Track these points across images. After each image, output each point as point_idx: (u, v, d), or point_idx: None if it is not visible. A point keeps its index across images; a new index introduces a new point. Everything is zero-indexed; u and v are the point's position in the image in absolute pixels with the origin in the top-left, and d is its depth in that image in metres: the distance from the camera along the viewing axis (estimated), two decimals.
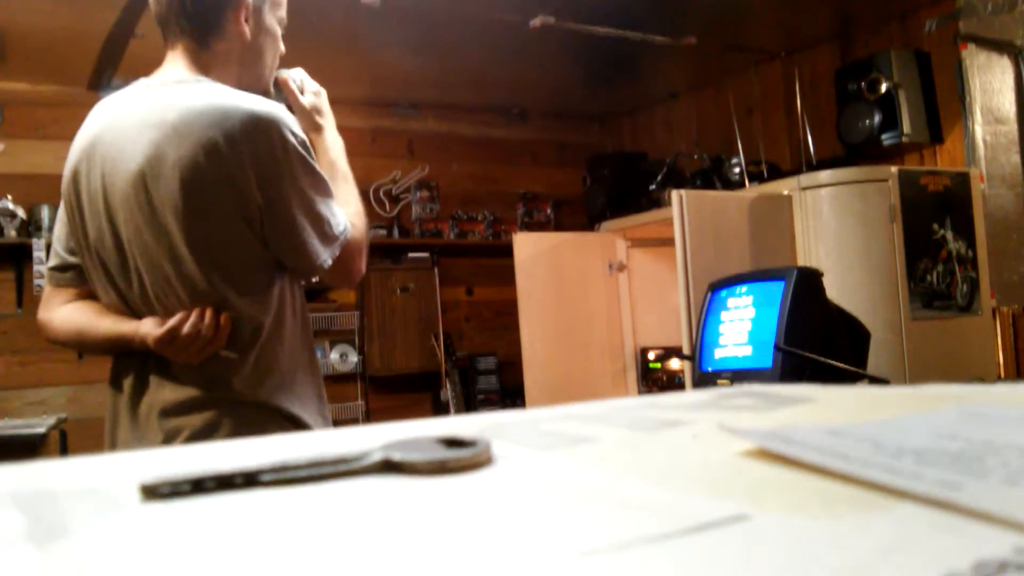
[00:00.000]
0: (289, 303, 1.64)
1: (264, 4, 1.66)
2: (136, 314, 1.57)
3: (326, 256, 1.59)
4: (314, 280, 1.69)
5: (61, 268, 1.66)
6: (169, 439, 1.52)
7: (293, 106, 1.78)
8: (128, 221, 1.52)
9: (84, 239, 1.59)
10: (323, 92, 1.82)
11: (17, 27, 3.89)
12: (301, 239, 1.56)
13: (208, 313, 1.50)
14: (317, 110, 1.80)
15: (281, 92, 1.78)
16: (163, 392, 1.54)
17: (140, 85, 1.62)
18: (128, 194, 1.51)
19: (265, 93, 1.71)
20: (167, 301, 1.53)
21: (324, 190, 1.60)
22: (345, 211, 1.67)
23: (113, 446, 1.61)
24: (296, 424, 1.60)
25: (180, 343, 1.49)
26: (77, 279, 1.65)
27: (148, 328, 1.52)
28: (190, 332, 1.48)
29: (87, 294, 1.65)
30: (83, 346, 1.71)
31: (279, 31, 1.72)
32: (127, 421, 1.57)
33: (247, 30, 1.63)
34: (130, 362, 1.59)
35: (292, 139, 1.53)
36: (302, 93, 1.80)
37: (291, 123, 1.55)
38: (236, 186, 1.49)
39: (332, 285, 1.70)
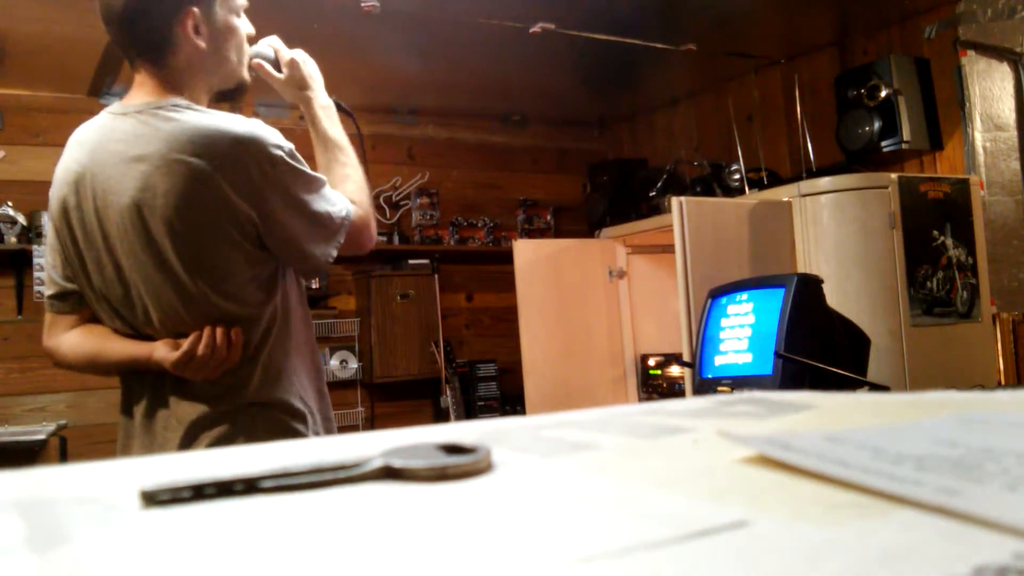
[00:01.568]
0: (294, 304, 1.67)
1: (213, 5, 1.62)
2: (144, 338, 1.59)
3: (331, 251, 1.63)
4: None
5: (60, 296, 1.66)
6: (185, 449, 1.54)
7: (273, 85, 1.78)
8: (128, 253, 1.53)
9: (83, 272, 1.60)
10: (301, 59, 1.79)
11: (17, 33, 3.90)
12: (304, 248, 1.60)
13: (220, 331, 1.53)
14: (297, 82, 1.78)
15: (257, 73, 1.76)
16: (181, 408, 1.57)
17: (113, 110, 1.62)
18: (124, 227, 1.52)
19: (241, 84, 1.72)
20: (174, 325, 1.55)
21: (318, 186, 1.61)
22: (344, 189, 1.69)
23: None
24: (302, 420, 1.63)
25: (197, 363, 1.51)
26: (77, 305, 1.66)
27: (163, 352, 1.53)
28: (206, 352, 1.51)
29: (90, 317, 1.66)
30: (96, 370, 1.71)
31: (237, 21, 1.68)
32: (143, 438, 1.59)
33: (200, 41, 1.60)
34: (143, 382, 1.61)
35: (278, 152, 1.54)
36: (278, 69, 1.78)
37: (274, 138, 1.56)
38: (229, 207, 1.50)
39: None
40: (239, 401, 1.57)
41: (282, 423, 1.60)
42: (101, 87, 4.54)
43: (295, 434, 1.61)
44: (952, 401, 0.62)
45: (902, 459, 0.39)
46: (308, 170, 1.61)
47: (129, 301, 1.57)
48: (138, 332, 1.59)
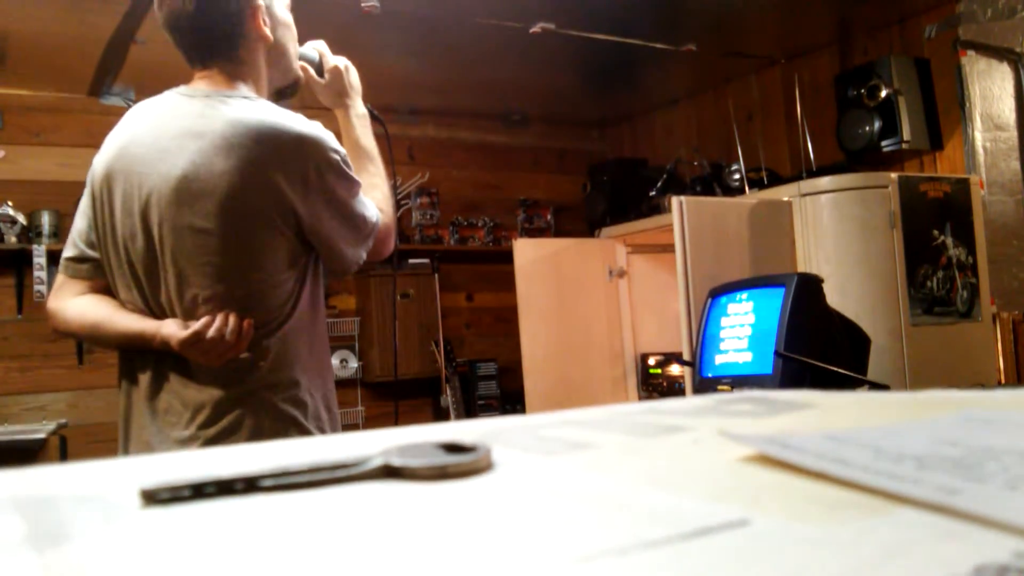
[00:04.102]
0: (314, 302, 1.70)
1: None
2: (156, 314, 1.60)
3: (361, 254, 1.70)
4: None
5: (79, 259, 1.69)
6: (193, 438, 1.55)
7: (314, 88, 1.84)
8: (165, 223, 1.55)
9: (112, 237, 1.62)
10: (345, 67, 1.85)
11: (18, 33, 3.90)
12: (339, 247, 1.65)
13: (232, 318, 1.54)
14: (338, 89, 1.84)
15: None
16: (186, 391, 1.57)
17: (178, 93, 1.67)
18: (170, 197, 1.54)
19: (296, 81, 1.79)
20: (195, 302, 1.56)
21: (357, 190, 1.68)
22: (372, 196, 1.75)
23: (127, 440, 1.62)
24: (306, 413, 1.65)
25: (203, 346, 1.52)
26: (93, 272, 1.68)
27: (172, 330, 1.55)
28: (215, 336, 1.52)
29: (100, 288, 1.68)
30: (95, 339, 1.73)
31: (291, 18, 1.76)
32: (145, 416, 1.60)
33: (268, 32, 1.67)
34: (145, 359, 1.62)
35: (334, 156, 1.61)
36: (320, 75, 1.83)
37: (331, 141, 1.62)
38: (280, 198, 1.55)
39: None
40: (245, 388, 1.58)
41: (286, 414, 1.61)
42: (101, 87, 4.53)
43: (298, 426, 1.62)
44: (952, 401, 0.62)
45: (902, 458, 0.39)
46: (353, 175, 1.67)
47: (154, 273, 1.58)
48: (153, 309, 1.60)
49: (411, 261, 5.35)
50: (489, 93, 5.39)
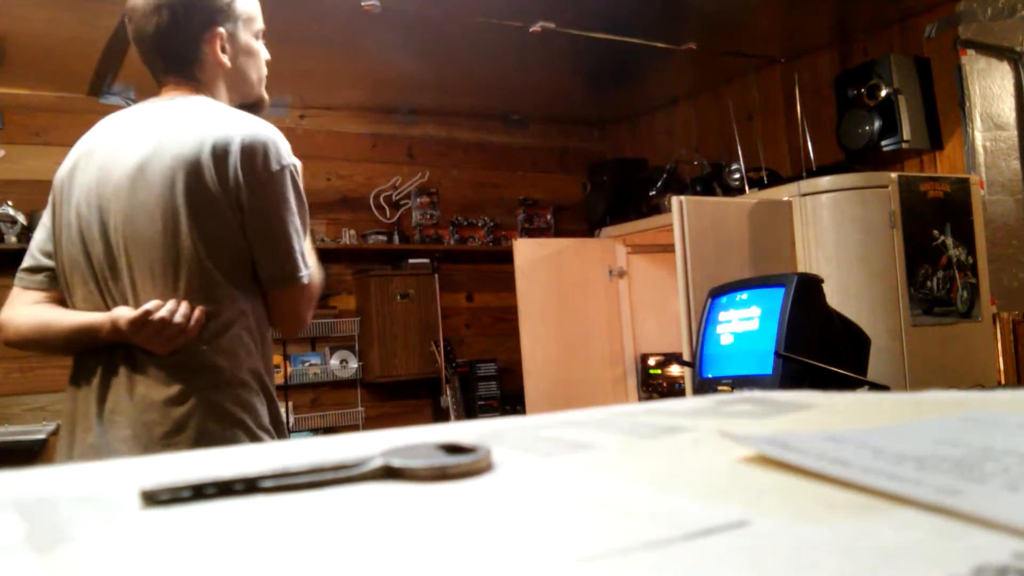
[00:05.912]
0: (261, 303, 1.67)
1: (237, 26, 1.73)
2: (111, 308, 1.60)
3: (306, 272, 1.64)
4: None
5: (33, 270, 1.70)
6: (135, 437, 1.54)
7: None
8: (120, 210, 1.57)
9: (68, 233, 1.63)
10: None
11: (18, 33, 3.90)
12: (290, 246, 1.62)
13: (185, 304, 1.54)
14: None
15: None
16: (136, 390, 1.56)
17: (145, 102, 1.72)
18: (123, 184, 1.57)
19: (260, 102, 1.81)
20: (149, 287, 1.56)
21: (306, 225, 1.67)
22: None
23: (71, 445, 1.60)
24: (260, 397, 1.64)
25: (152, 327, 1.52)
26: (46, 282, 1.69)
27: (121, 311, 1.55)
28: (164, 317, 1.52)
29: (54, 299, 1.68)
30: (46, 342, 1.68)
31: (258, 45, 1.79)
32: (91, 419, 1.58)
33: (225, 59, 1.71)
34: (97, 359, 1.60)
35: (287, 159, 1.61)
36: None
37: (286, 147, 1.63)
38: (227, 188, 1.56)
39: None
40: (195, 386, 1.56)
41: (234, 415, 1.59)
42: (101, 87, 4.53)
43: (244, 427, 1.60)
44: (952, 401, 0.61)
45: (902, 459, 0.39)
46: (303, 200, 1.66)
47: (112, 261, 1.58)
48: (108, 302, 1.60)
49: (411, 261, 5.36)
50: (489, 93, 5.39)
